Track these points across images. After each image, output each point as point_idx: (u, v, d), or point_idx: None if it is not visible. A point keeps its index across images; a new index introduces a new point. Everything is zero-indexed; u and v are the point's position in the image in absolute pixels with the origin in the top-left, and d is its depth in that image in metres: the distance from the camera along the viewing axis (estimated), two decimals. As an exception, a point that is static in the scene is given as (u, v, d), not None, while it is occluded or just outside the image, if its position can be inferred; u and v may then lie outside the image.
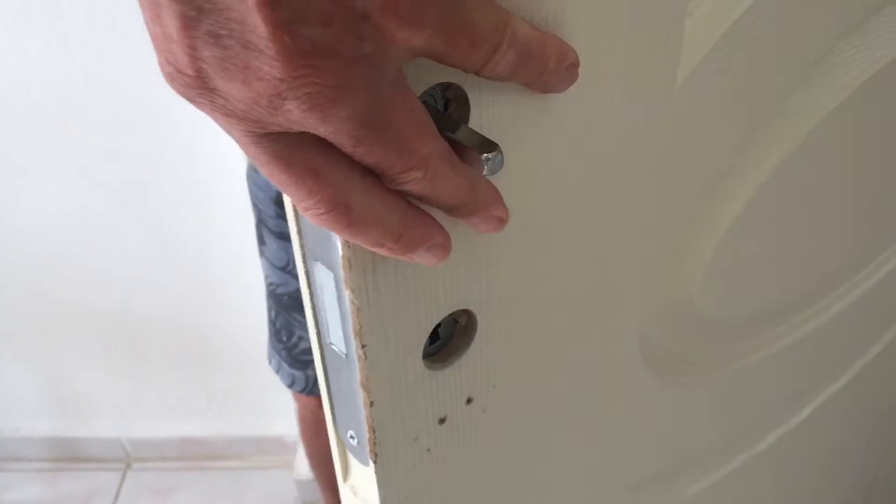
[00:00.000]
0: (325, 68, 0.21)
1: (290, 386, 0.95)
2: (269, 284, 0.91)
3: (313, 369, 0.92)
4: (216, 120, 0.23)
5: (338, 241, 0.29)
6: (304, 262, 0.32)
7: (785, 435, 0.74)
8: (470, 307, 0.35)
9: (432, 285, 0.32)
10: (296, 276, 0.87)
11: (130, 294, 1.44)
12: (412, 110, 0.24)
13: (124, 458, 1.70)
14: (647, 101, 0.36)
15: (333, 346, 0.33)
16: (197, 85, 0.21)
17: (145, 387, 1.60)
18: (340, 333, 0.32)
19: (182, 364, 1.57)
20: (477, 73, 0.25)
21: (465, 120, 0.29)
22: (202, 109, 0.23)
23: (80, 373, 1.57)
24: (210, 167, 1.26)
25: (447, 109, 0.29)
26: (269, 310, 0.93)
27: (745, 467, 0.72)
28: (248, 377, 1.57)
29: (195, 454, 1.69)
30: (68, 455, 1.69)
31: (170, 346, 1.53)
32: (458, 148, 0.27)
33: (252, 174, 0.84)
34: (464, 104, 0.29)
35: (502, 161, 0.27)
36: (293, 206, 0.30)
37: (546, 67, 0.28)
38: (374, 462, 0.35)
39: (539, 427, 0.45)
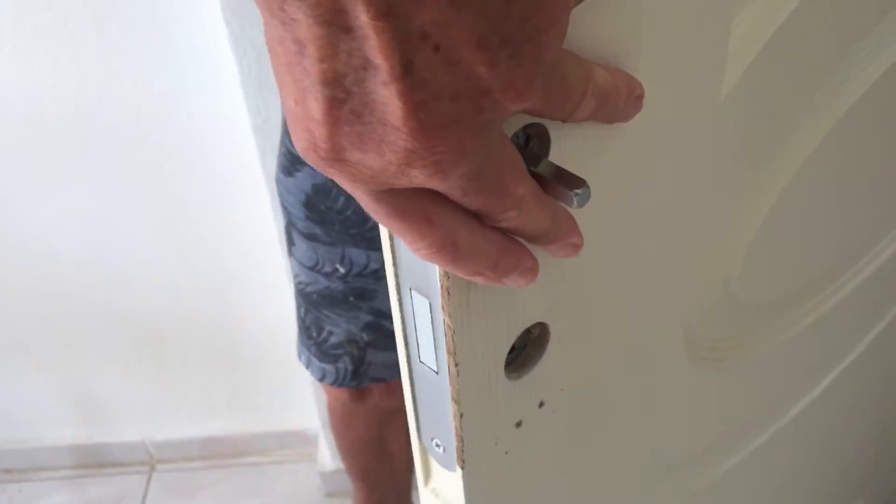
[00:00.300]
0: (450, 137, 0.23)
1: (321, 379, 0.98)
2: (298, 283, 0.94)
3: (343, 362, 0.95)
4: (341, 183, 0.25)
5: (436, 273, 0.31)
6: (398, 289, 0.34)
7: (809, 404, 0.78)
8: (544, 319, 0.37)
9: (514, 303, 0.35)
10: (324, 275, 0.89)
11: (148, 298, 1.46)
12: (510, 157, 0.27)
13: (148, 460, 1.73)
14: (695, 116, 0.39)
15: (424, 364, 0.36)
16: (332, 157, 0.24)
17: (166, 389, 1.62)
18: (433, 353, 0.35)
19: (202, 365, 1.59)
20: (562, 121, 0.28)
21: (546, 153, 0.31)
22: (330, 176, 0.25)
23: (101, 379, 1.60)
24: (223, 170, 1.28)
25: (528, 144, 0.31)
26: (299, 308, 0.96)
27: (773, 439, 0.75)
28: (268, 374, 1.60)
29: (219, 452, 1.72)
30: (94, 461, 1.72)
31: (189, 347, 1.56)
32: (540, 180, 0.30)
33: (281, 178, 0.86)
34: (545, 140, 0.31)
35: (589, 195, 0.29)
36: (389, 239, 0.33)
37: (618, 106, 0.30)
38: (462, 468, 0.38)
39: (596, 420, 0.48)
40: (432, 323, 0.33)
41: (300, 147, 0.24)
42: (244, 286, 1.46)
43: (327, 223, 0.85)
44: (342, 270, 0.88)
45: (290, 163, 0.84)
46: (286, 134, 0.85)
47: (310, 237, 0.88)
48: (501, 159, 0.26)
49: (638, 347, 0.47)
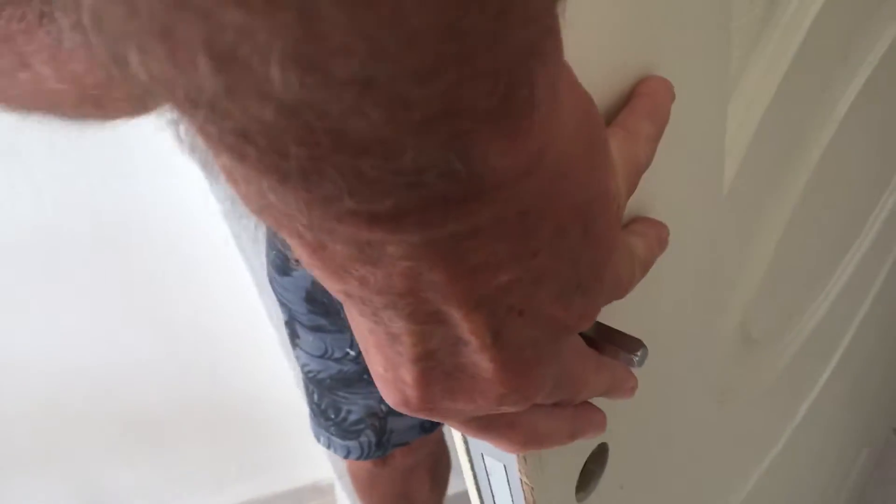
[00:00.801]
0: (535, 375, 0.24)
1: (346, 456, 0.98)
2: (307, 372, 0.94)
3: (366, 436, 0.95)
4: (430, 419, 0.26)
5: (511, 445, 0.32)
6: (469, 454, 0.35)
7: (814, 400, 0.80)
8: (604, 440, 0.39)
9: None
10: (336, 360, 0.89)
11: (141, 390, 1.45)
12: (579, 354, 0.28)
13: (167, 542, 1.71)
14: (701, 208, 0.40)
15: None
16: (423, 408, 0.24)
17: (173, 471, 1.61)
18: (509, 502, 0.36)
19: (205, 441, 1.58)
20: None
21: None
22: (420, 416, 0.26)
23: (108, 476, 1.58)
24: (195, 252, 1.27)
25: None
26: (311, 394, 0.96)
27: (790, 439, 0.78)
28: (271, 435, 1.60)
29: (236, 521, 1.71)
30: (112, 554, 1.70)
31: (189, 427, 1.55)
32: (596, 345, 0.31)
33: (276, 277, 0.86)
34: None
35: (647, 354, 0.30)
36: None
37: (656, 256, 0.32)
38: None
39: (650, 488, 0.49)
40: (508, 483, 0.34)
41: (392, 402, 0.25)
42: (233, 357, 1.46)
43: (332, 313, 0.85)
44: (353, 353, 0.88)
45: (283, 262, 0.84)
46: (275, 235, 0.85)
47: (315, 329, 0.88)
48: (573, 361, 0.27)
49: (675, 418, 0.49)
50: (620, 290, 0.28)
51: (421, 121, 0.15)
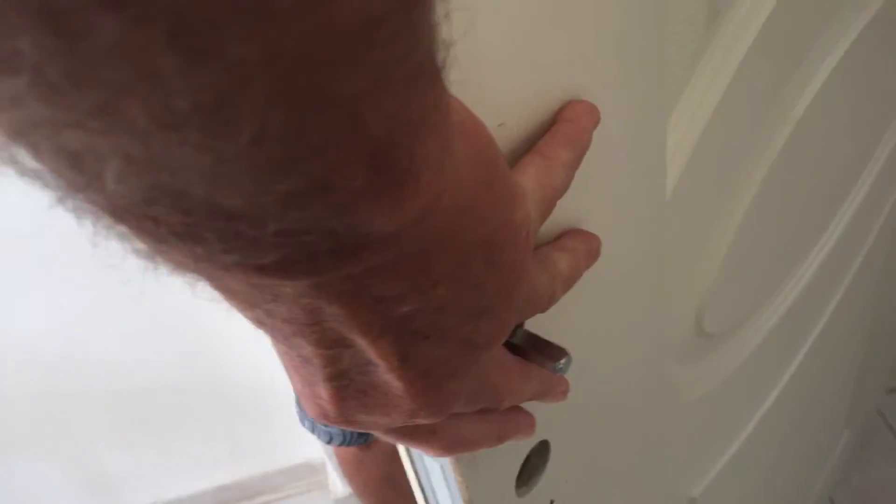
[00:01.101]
0: (448, 389, 0.25)
1: (329, 442, 1.00)
2: None
3: (348, 422, 0.97)
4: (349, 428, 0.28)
5: (444, 447, 0.34)
6: (409, 454, 0.37)
7: (783, 388, 0.82)
8: (545, 437, 0.40)
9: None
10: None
11: (138, 373, 1.47)
12: (499, 363, 0.29)
13: (163, 519, 1.75)
14: (644, 213, 0.42)
15: (444, 508, 0.39)
16: (340, 421, 0.26)
17: (169, 451, 1.64)
18: (448, 499, 0.38)
19: (199, 420, 1.61)
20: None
21: (522, 323, 0.34)
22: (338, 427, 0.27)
23: (104, 456, 1.61)
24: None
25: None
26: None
27: (759, 425, 0.80)
28: (264, 416, 1.62)
29: (231, 498, 1.74)
30: (110, 532, 1.73)
31: (184, 409, 1.57)
32: (520, 351, 0.32)
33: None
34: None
35: (571, 362, 0.32)
36: None
37: (583, 270, 0.33)
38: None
39: (600, 483, 0.51)
40: (446, 481, 0.36)
41: (312, 414, 0.27)
42: (228, 342, 1.48)
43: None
44: None
45: None
46: None
47: None
48: (493, 372, 0.29)
49: (626, 410, 0.51)
50: (539, 306, 0.30)
51: (287, 197, 0.15)
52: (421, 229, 0.19)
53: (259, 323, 0.22)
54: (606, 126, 0.32)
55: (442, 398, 0.25)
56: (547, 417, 0.40)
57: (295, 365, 0.24)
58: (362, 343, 0.22)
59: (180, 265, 0.18)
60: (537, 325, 0.32)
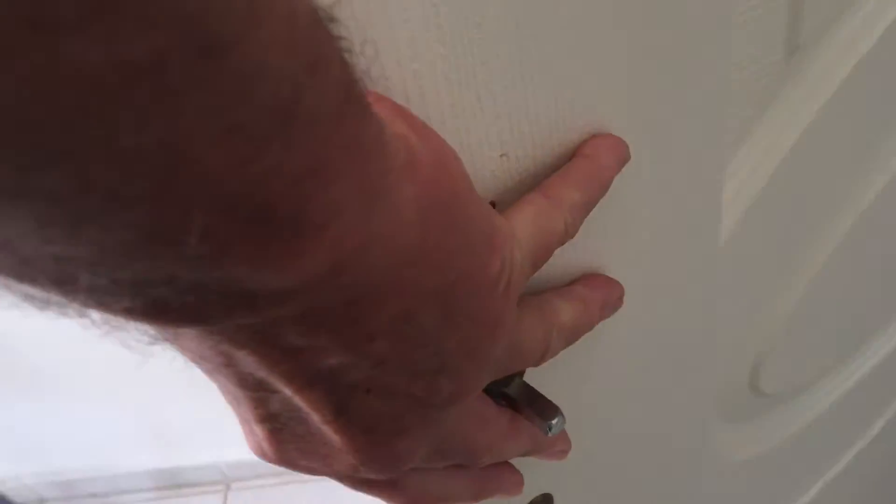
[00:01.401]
0: (398, 445, 0.23)
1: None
2: None
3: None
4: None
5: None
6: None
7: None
8: (548, 490, 0.37)
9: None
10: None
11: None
12: (474, 415, 0.26)
13: (223, 480, 1.79)
14: (694, 258, 0.38)
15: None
16: (282, 464, 0.24)
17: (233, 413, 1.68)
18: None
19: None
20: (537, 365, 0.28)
21: (521, 372, 0.31)
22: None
23: (170, 408, 1.66)
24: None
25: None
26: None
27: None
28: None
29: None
30: (171, 483, 1.79)
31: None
32: (512, 403, 0.29)
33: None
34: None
35: (563, 424, 0.29)
36: None
37: (594, 322, 0.30)
38: None
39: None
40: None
41: (253, 451, 0.25)
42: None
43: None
44: None
45: None
46: None
47: None
48: (464, 428, 0.26)
49: (656, 467, 0.47)
50: (528, 360, 0.27)
51: (121, 247, 0.13)
52: (339, 282, 0.17)
53: (184, 353, 0.20)
54: (648, 162, 0.29)
55: (389, 455, 0.23)
56: (552, 469, 0.37)
57: (228, 400, 0.22)
58: (287, 391, 0.20)
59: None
60: (565, 362, 0.29)
